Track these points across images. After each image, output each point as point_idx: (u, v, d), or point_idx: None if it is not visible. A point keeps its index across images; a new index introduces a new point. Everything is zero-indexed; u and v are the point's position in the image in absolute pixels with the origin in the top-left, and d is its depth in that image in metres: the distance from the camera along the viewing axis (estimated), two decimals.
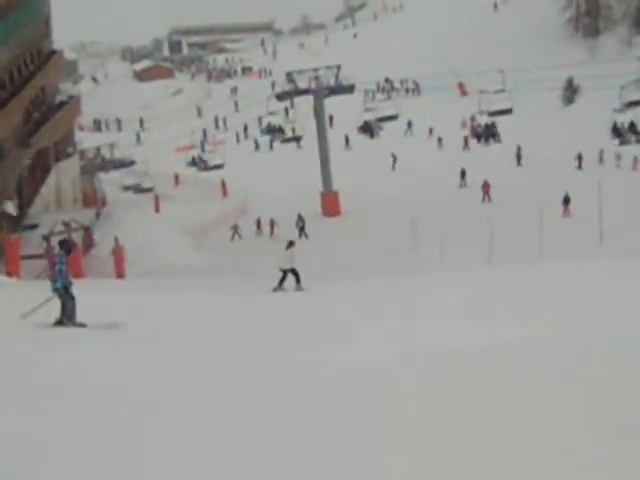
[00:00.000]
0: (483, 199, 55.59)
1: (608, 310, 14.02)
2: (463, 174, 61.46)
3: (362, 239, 45.15)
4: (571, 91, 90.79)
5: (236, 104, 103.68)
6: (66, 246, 17.60)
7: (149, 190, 64.64)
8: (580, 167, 63.61)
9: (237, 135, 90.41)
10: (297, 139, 62.65)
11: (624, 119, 53.54)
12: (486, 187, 55.77)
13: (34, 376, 11.00)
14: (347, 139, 76.19)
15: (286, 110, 61.34)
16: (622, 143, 55.45)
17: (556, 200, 47.57)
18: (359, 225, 50.10)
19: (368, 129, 59.22)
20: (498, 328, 12.95)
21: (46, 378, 10.89)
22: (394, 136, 67.29)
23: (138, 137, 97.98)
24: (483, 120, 67.98)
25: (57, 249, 17.65)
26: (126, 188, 66.30)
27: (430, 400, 8.98)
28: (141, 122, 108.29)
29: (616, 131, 54.36)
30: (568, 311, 14.34)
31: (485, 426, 8.02)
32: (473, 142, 70.16)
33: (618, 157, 62.63)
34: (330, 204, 56.77)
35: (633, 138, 54.23)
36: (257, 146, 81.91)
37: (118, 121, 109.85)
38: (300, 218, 51.02)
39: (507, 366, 10.27)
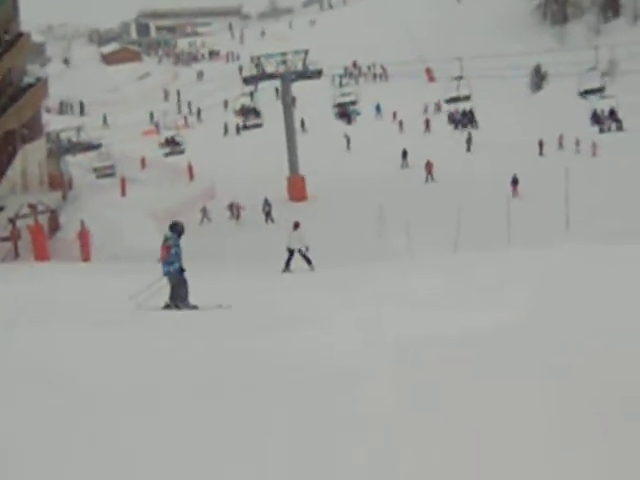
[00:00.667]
0: (427, 179, 56.02)
1: (576, 296, 14.08)
2: (404, 154, 61.81)
3: (329, 223, 45.12)
4: (539, 78, 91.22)
5: (178, 93, 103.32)
6: (177, 228, 17.21)
7: (112, 174, 64.17)
8: (542, 153, 64.07)
9: (185, 118, 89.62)
10: (250, 127, 60.84)
11: (604, 106, 53.60)
12: (429, 166, 56.11)
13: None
14: (303, 122, 76.40)
15: (251, 94, 60.95)
16: (602, 131, 55.51)
17: (505, 182, 48.21)
18: (325, 209, 50.13)
19: (345, 114, 58.98)
20: (469, 315, 12.98)
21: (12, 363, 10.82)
22: (361, 120, 67.35)
23: (105, 120, 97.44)
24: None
25: (169, 232, 17.20)
26: (95, 170, 65.91)
27: (405, 388, 8.98)
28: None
29: (595, 118, 54.38)
30: (538, 297, 14.38)
31: (462, 415, 8.03)
32: (449, 128, 70.32)
33: (577, 143, 63.07)
34: (296, 188, 56.71)
35: (613, 125, 54.32)
36: (226, 130, 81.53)
37: (81, 104, 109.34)
38: (266, 203, 50.91)
39: (479, 353, 10.29)
